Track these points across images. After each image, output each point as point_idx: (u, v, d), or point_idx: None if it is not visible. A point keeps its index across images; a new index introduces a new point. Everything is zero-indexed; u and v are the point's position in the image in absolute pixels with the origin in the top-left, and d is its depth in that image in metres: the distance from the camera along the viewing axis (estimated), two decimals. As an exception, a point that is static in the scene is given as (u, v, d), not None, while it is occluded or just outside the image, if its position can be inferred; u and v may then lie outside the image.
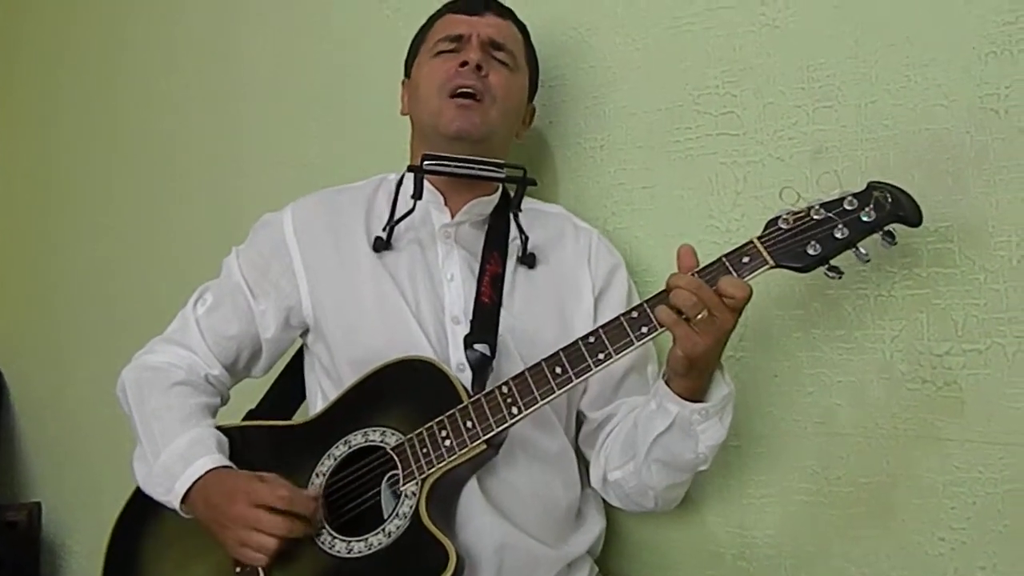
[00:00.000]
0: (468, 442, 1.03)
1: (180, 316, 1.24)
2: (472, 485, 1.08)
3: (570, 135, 1.40)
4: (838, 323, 1.15)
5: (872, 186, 0.99)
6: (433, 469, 1.04)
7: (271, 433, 1.20)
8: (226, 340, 1.21)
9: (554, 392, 1.02)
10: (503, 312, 1.15)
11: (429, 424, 1.05)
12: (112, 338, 1.59)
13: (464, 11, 1.24)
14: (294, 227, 1.21)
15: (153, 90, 2.11)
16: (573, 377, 1.02)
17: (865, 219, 0.97)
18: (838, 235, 0.97)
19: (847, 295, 1.14)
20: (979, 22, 1.06)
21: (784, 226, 0.99)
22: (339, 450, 1.11)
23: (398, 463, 1.06)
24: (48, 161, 2.40)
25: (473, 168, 1.16)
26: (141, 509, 1.18)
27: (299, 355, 1.30)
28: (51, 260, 2.38)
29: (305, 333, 1.23)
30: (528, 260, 1.20)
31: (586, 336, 1.03)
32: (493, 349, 1.11)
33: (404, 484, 1.05)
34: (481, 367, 1.10)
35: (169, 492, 1.09)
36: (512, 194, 1.22)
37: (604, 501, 1.23)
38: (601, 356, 1.01)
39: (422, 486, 1.04)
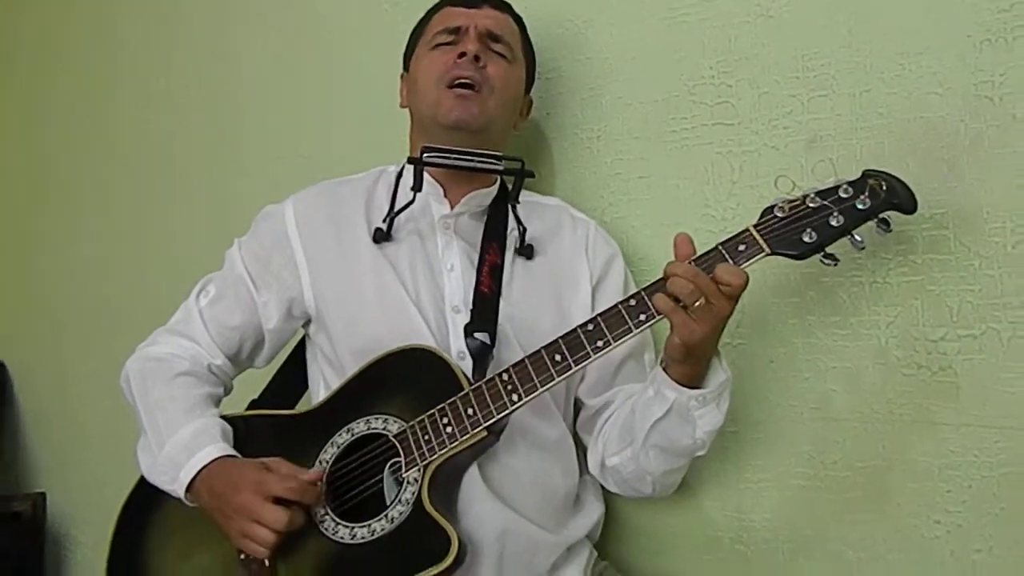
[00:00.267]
0: (469, 429, 1.04)
1: (183, 307, 1.24)
2: (473, 472, 1.09)
3: (567, 126, 1.41)
4: (834, 310, 1.16)
5: (867, 174, 1.00)
6: (435, 456, 1.05)
7: (274, 422, 1.21)
8: (229, 331, 1.21)
9: (554, 379, 1.03)
10: (502, 302, 1.16)
11: (431, 411, 1.06)
12: (115, 330, 1.59)
13: (462, 4, 1.24)
14: (296, 219, 1.22)
15: (151, 86, 2.11)
16: (572, 364, 1.03)
17: (860, 207, 0.98)
18: (833, 223, 0.98)
19: (842, 282, 1.15)
20: (973, 10, 1.06)
21: (780, 214, 1.00)
22: (342, 438, 1.11)
23: (400, 450, 1.07)
24: (47, 157, 2.39)
25: (472, 160, 1.18)
26: (145, 499, 1.18)
27: (302, 345, 1.30)
28: (53, 255, 2.38)
29: (307, 323, 1.24)
30: (526, 251, 1.21)
31: (585, 324, 1.04)
32: (493, 338, 1.12)
33: (406, 471, 1.06)
34: (481, 355, 1.11)
35: (174, 481, 1.10)
36: (510, 186, 1.23)
37: (602, 487, 1.24)
38: (600, 343, 1.02)
39: (424, 473, 1.05)
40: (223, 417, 1.17)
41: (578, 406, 1.24)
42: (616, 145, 1.36)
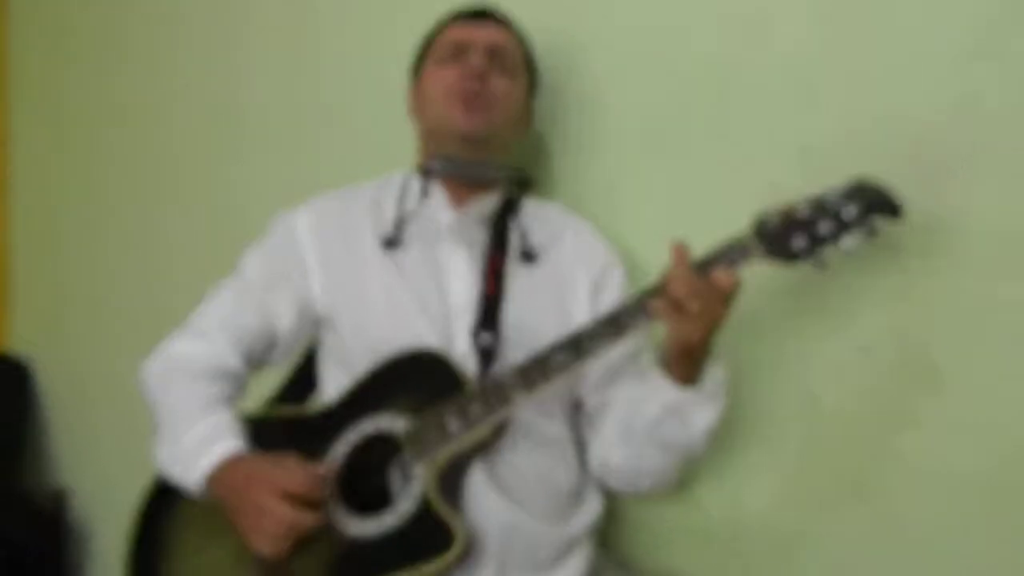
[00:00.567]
0: (474, 426, 1.08)
1: (199, 310, 1.27)
2: (479, 468, 1.12)
3: (568, 137, 1.43)
4: (824, 313, 1.18)
5: (854, 182, 1.03)
6: (441, 452, 1.08)
7: (285, 420, 1.24)
8: (243, 333, 1.23)
9: (554, 378, 1.07)
10: (506, 305, 1.19)
11: (436, 410, 1.09)
12: (137, 331, 1.60)
13: (467, 22, 1.28)
14: (307, 226, 1.26)
15: (162, 89, 2.13)
16: (572, 364, 1.06)
17: (848, 214, 1.01)
18: (822, 230, 1.01)
19: (833, 286, 1.16)
20: (963, 20, 1.07)
21: (771, 222, 1.03)
22: (351, 436, 1.14)
23: (407, 447, 1.10)
24: (81, 163, 2.41)
25: (477, 169, 1.22)
26: (163, 495, 1.21)
27: (313, 346, 1.33)
28: (78, 255, 2.39)
29: (318, 325, 1.27)
30: (529, 256, 1.24)
31: (585, 325, 1.08)
32: (496, 339, 1.16)
33: (413, 467, 1.09)
34: (485, 356, 1.15)
35: (189, 475, 1.12)
36: (513, 194, 1.27)
37: (602, 485, 1.27)
38: (599, 344, 1.06)
39: (430, 469, 1.08)
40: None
41: (579, 406, 1.27)
42: (615, 156, 1.38)
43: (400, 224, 1.23)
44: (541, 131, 1.45)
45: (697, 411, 1.10)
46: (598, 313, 1.11)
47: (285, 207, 1.32)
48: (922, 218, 1.09)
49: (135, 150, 2.23)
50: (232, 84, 1.99)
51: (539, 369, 1.07)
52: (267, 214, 1.34)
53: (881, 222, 1.02)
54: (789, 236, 1.02)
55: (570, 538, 1.19)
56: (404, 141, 1.36)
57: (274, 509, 1.04)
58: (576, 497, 1.23)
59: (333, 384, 1.24)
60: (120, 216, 2.28)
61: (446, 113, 1.23)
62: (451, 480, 1.10)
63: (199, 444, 1.13)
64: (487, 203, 1.26)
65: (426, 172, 1.24)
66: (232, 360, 1.23)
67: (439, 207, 1.25)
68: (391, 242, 1.22)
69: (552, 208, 1.34)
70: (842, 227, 1.01)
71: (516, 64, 1.29)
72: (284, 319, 1.24)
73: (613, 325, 1.06)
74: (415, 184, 1.26)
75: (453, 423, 1.08)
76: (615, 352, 1.16)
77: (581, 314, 1.21)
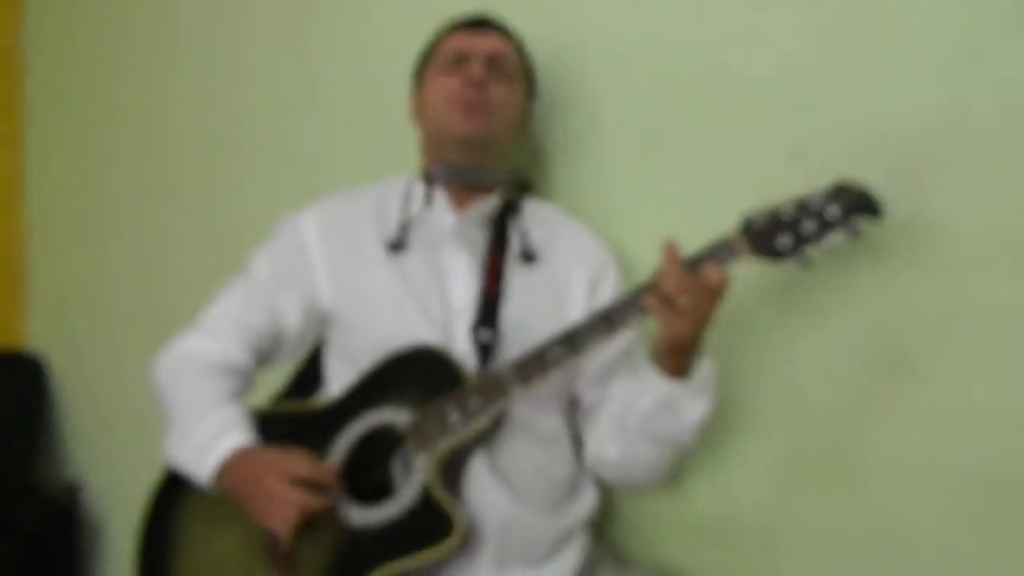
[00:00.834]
0: (473, 418, 1.11)
1: (209, 308, 1.30)
2: (480, 461, 1.15)
3: (567, 141, 1.46)
4: (809, 309, 1.20)
5: (837, 184, 1.07)
6: (441, 444, 1.11)
7: (292, 414, 1.27)
8: (251, 331, 1.26)
9: (550, 372, 1.10)
10: (504, 304, 1.22)
11: (437, 403, 1.13)
12: (150, 328, 1.62)
13: (467, 31, 1.31)
14: (314, 228, 1.28)
15: (168, 92, 2.17)
16: (567, 359, 1.10)
17: (830, 214, 1.04)
18: (806, 230, 1.05)
19: (818, 284, 1.18)
20: (954, 27, 1.09)
21: (757, 222, 1.07)
22: (356, 429, 1.18)
23: (409, 439, 1.14)
24: (93, 162, 2.43)
25: (478, 174, 1.26)
26: (173, 488, 1.24)
27: (319, 343, 1.36)
28: (91, 253, 2.42)
29: (324, 323, 1.30)
30: (528, 257, 1.27)
31: (580, 321, 1.11)
32: (495, 337, 1.19)
33: (415, 458, 1.12)
34: (484, 353, 1.18)
35: (200, 468, 1.15)
36: (513, 195, 1.31)
37: (596, 477, 1.29)
38: (593, 340, 1.10)
39: (431, 460, 1.12)
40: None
41: (575, 402, 1.29)
42: (610, 159, 1.40)
43: (404, 229, 1.27)
44: (538, 136, 1.48)
45: (688, 403, 1.13)
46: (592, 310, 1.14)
47: (288, 206, 1.35)
48: (905, 219, 1.11)
49: (145, 151, 2.27)
50: (235, 86, 2.02)
51: (535, 364, 1.11)
52: (271, 213, 1.37)
53: (862, 222, 1.05)
54: (774, 236, 1.06)
55: (566, 529, 1.22)
56: (404, 142, 1.39)
57: (284, 493, 1.08)
58: (572, 490, 1.26)
59: (338, 379, 1.26)
60: (130, 215, 2.31)
61: (446, 119, 1.26)
62: (451, 471, 1.14)
63: (209, 438, 1.16)
64: (487, 204, 1.29)
65: (429, 178, 1.28)
66: (240, 357, 1.26)
67: (441, 211, 1.29)
68: (396, 246, 1.26)
69: (549, 209, 1.37)
70: (825, 227, 1.05)
71: (515, 72, 1.32)
72: (291, 318, 1.28)
73: (606, 321, 1.10)
74: (419, 189, 1.29)
75: (453, 416, 1.12)
76: (610, 350, 1.20)
77: (578, 312, 1.23)
